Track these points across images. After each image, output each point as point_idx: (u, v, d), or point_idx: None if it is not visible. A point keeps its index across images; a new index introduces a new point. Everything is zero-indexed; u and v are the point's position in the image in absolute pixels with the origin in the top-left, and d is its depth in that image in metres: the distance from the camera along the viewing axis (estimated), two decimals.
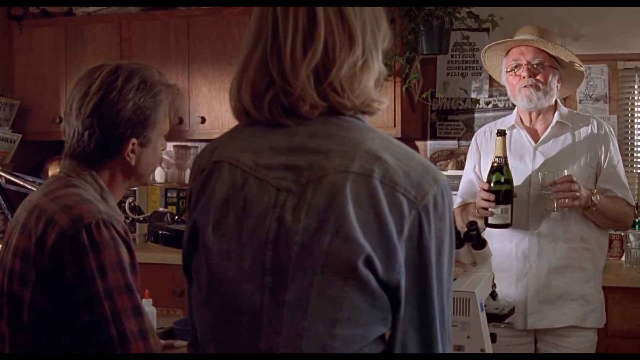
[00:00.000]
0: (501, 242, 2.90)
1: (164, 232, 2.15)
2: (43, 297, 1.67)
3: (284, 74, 1.29)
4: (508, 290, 2.85)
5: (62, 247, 1.65)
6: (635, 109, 4.04)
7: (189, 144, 4.62)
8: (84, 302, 1.64)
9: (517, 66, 2.90)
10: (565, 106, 3.05)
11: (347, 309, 1.24)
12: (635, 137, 4.05)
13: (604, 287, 2.99)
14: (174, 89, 1.90)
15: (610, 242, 3.79)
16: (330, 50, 1.29)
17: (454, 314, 2.07)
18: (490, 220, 2.80)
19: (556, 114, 2.94)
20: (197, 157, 1.42)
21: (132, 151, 1.81)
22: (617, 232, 3.82)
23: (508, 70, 2.93)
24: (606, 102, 4.02)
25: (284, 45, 1.29)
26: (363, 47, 1.32)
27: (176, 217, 2.22)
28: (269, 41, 1.31)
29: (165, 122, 1.86)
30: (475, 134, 3.13)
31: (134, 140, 1.80)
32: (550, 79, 2.88)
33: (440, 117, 4.31)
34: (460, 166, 4.10)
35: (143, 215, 2.34)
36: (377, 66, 1.35)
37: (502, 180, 2.77)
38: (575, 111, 3.38)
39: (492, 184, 2.77)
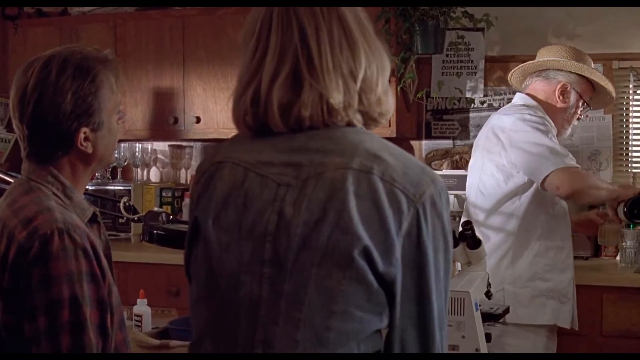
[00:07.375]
0: (564, 240, 2.96)
1: (159, 232, 2.14)
2: (10, 315, 1.62)
3: (322, 87, 1.30)
4: (568, 289, 2.88)
5: (20, 262, 1.60)
6: (630, 109, 4.05)
7: (184, 143, 4.62)
8: (27, 315, 1.59)
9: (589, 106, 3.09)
10: None
11: (343, 302, 1.25)
12: (630, 137, 4.05)
13: (599, 287, 3.00)
14: (114, 63, 1.83)
15: None
16: (369, 73, 1.33)
17: (449, 313, 2.07)
18: None
19: None
20: (199, 164, 1.44)
21: (86, 139, 1.74)
22: None
23: (587, 106, 3.08)
24: None
25: (321, 60, 1.30)
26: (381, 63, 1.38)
27: (171, 216, 2.21)
28: (300, 55, 1.31)
29: (113, 99, 1.78)
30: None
31: (84, 129, 1.73)
32: None
33: (435, 117, 4.31)
34: (455, 166, 4.10)
35: (138, 215, 2.33)
36: None
37: None
38: None
39: None
